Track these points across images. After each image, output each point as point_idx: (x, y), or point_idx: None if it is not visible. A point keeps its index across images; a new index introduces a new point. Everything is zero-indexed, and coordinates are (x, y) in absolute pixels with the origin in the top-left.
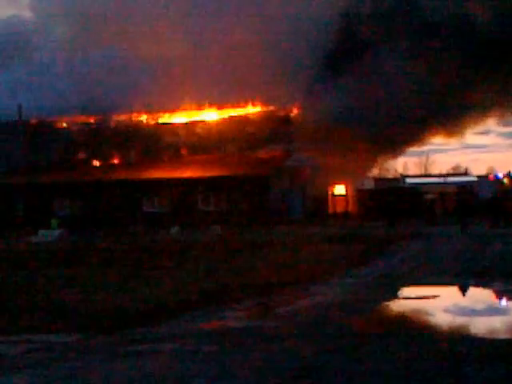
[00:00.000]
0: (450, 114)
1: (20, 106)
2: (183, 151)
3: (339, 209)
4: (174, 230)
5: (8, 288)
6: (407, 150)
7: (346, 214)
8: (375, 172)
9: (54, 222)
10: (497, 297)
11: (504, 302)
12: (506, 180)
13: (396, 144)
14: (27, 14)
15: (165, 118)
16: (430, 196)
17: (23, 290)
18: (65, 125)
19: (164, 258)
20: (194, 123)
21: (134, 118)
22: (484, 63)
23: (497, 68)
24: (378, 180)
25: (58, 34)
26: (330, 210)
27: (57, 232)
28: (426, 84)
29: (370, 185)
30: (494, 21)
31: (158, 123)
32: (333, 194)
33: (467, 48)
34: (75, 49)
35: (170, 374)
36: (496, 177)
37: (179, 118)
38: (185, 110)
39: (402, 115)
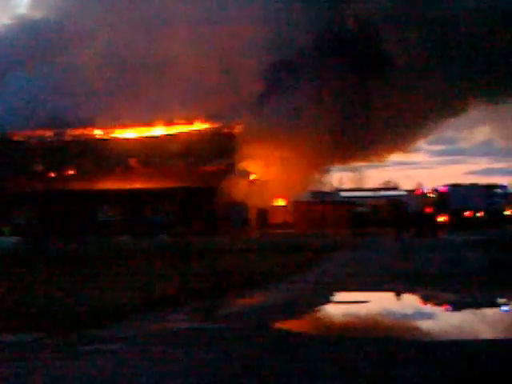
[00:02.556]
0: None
1: None
2: (134, 164)
3: (279, 219)
4: (124, 237)
5: None
6: (343, 165)
7: (284, 224)
8: (312, 185)
9: (6, 229)
10: (423, 301)
11: (429, 306)
12: (432, 195)
13: (333, 160)
14: None
15: (117, 133)
16: (360, 208)
17: None
18: (23, 138)
19: (113, 263)
20: (144, 138)
21: (88, 133)
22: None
23: None
24: (314, 193)
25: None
26: (271, 220)
27: (13, 239)
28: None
29: (307, 197)
30: None
31: (110, 138)
32: (274, 206)
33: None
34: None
35: (117, 372)
36: (423, 192)
37: (130, 133)
38: (135, 125)
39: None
